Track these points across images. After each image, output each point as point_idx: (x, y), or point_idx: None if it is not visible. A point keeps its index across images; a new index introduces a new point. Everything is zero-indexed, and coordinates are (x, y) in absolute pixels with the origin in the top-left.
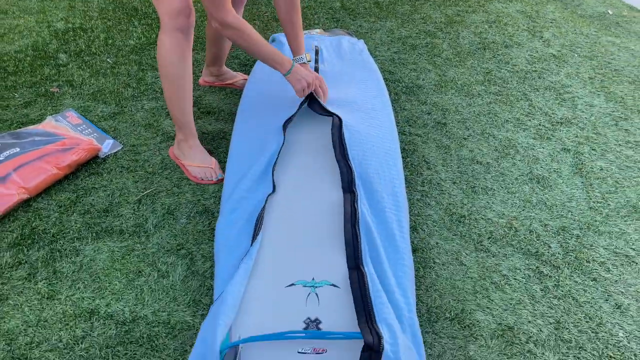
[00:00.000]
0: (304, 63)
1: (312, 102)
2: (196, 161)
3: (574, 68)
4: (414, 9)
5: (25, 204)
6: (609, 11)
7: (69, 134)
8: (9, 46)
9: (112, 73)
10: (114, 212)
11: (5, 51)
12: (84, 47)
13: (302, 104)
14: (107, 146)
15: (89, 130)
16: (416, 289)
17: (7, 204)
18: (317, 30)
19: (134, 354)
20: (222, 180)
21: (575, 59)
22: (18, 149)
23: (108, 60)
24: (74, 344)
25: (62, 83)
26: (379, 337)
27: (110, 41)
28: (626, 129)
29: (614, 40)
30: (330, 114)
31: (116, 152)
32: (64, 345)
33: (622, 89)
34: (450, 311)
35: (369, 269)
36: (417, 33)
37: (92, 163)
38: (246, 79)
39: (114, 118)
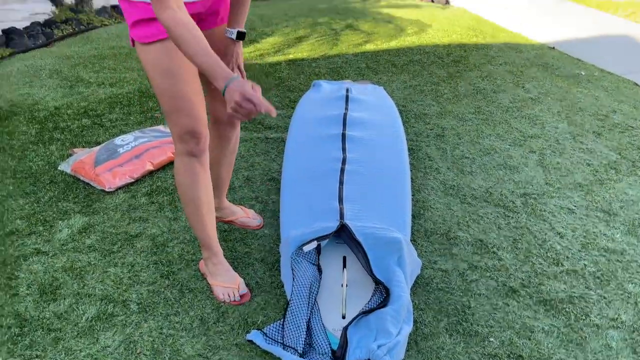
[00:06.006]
0: (231, 38)
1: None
2: (219, 280)
3: (547, 106)
4: (422, 68)
5: (151, 174)
6: (582, 72)
7: None
8: (121, 89)
9: None
10: None
11: (119, 92)
12: None
13: (327, 235)
14: None
15: None
16: (417, 221)
17: (141, 171)
18: (347, 80)
19: (233, 247)
20: (246, 295)
21: (548, 101)
22: (146, 139)
23: None
24: (195, 239)
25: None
26: None
27: None
28: (581, 141)
29: (582, 91)
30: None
31: None
32: (187, 240)
33: (583, 119)
34: (440, 231)
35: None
36: (424, 83)
37: None
38: (248, 216)
39: None
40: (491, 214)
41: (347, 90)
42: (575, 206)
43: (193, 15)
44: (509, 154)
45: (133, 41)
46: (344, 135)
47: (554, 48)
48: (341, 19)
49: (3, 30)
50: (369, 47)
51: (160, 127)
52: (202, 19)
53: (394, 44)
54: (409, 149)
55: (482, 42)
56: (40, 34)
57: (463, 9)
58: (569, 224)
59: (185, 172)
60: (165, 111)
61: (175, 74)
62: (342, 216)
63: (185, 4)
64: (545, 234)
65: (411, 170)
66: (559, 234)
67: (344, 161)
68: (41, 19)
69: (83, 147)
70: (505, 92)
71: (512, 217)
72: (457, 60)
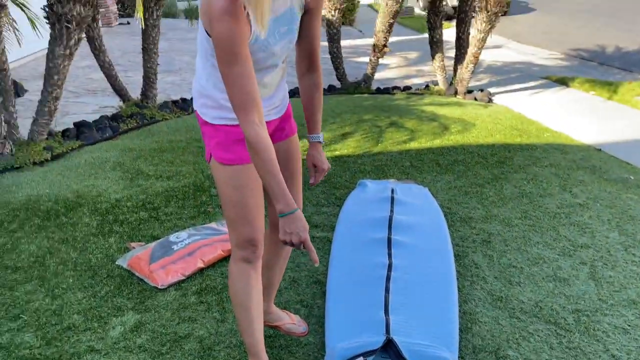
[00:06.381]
0: (318, 142)
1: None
2: None
3: (596, 213)
4: (467, 168)
5: (201, 271)
6: (631, 177)
7: None
8: (177, 183)
9: None
10: None
11: (175, 186)
12: None
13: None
14: None
15: None
16: (464, 336)
17: (192, 269)
18: (392, 179)
19: (278, 354)
20: None
21: (597, 207)
22: (199, 237)
23: None
24: (241, 344)
25: (215, 206)
26: None
27: None
28: (633, 253)
29: (632, 197)
30: None
31: None
32: (234, 344)
33: (635, 228)
34: (489, 349)
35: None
36: (469, 184)
37: None
38: (294, 322)
39: None
40: (542, 331)
41: (392, 192)
42: (629, 325)
43: None
44: (558, 264)
45: (210, 155)
46: (389, 240)
47: (600, 150)
48: (385, 117)
49: (75, 123)
50: (413, 145)
51: (213, 225)
52: (272, 135)
53: (437, 142)
54: (455, 255)
55: (526, 142)
56: (108, 127)
57: (505, 107)
58: (624, 346)
59: (239, 277)
60: (229, 219)
61: (244, 188)
62: (388, 330)
63: None
64: (600, 356)
65: (457, 279)
66: (614, 356)
67: (389, 267)
68: (109, 112)
69: (139, 241)
70: (552, 197)
71: (565, 336)
72: (501, 161)
